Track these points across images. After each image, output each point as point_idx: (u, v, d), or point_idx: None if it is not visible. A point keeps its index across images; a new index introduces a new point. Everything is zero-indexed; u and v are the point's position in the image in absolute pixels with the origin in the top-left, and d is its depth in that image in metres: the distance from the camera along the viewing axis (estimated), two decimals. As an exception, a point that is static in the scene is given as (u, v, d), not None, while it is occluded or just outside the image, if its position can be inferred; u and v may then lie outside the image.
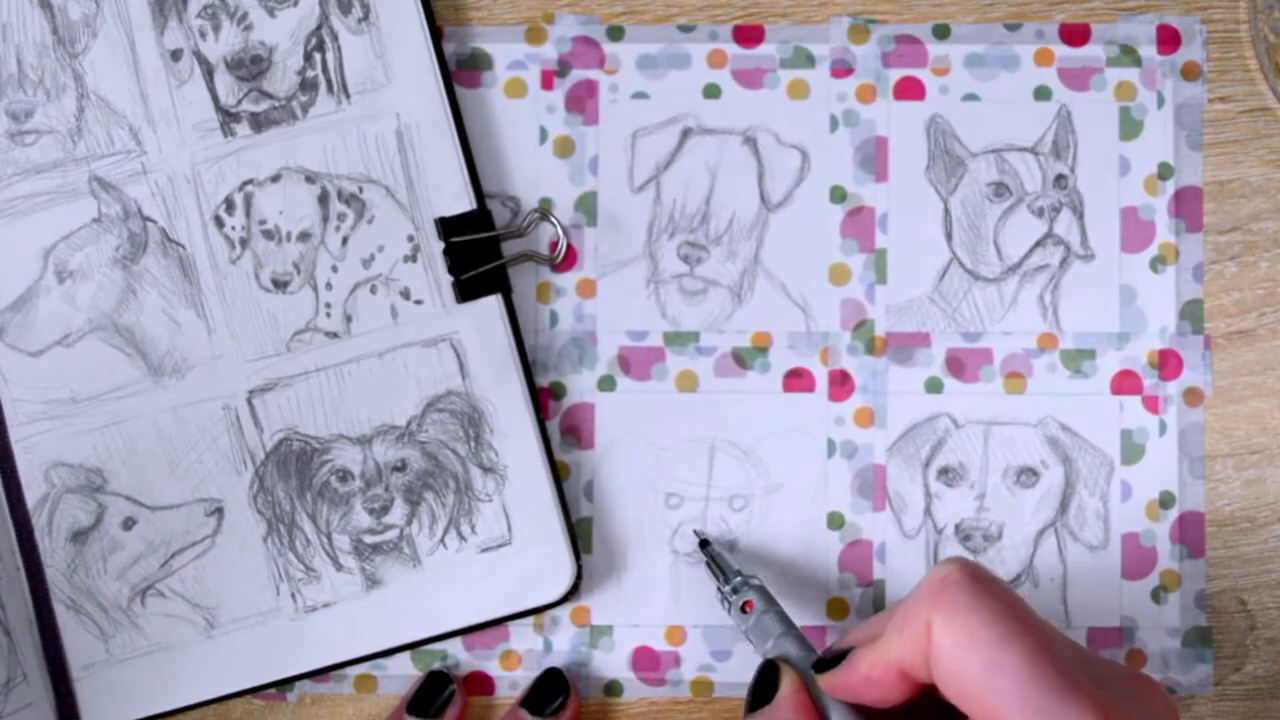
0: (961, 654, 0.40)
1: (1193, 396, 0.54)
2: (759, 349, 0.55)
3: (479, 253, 0.54)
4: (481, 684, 0.54)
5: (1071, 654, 0.41)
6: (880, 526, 0.54)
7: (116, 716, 0.53)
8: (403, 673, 0.54)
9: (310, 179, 0.54)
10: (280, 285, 0.54)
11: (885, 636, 0.43)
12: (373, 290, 0.54)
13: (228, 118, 0.54)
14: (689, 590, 0.54)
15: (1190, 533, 0.54)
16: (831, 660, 0.45)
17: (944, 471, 0.54)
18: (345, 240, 0.54)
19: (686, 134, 0.55)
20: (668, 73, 0.55)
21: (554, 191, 0.55)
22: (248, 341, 0.54)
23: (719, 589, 0.51)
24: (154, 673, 0.53)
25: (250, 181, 0.54)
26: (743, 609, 0.50)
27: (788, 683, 0.47)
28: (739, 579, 0.51)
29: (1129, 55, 0.55)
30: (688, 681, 0.54)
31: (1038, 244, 0.55)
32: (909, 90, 0.55)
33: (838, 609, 0.54)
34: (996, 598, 0.41)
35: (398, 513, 0.53)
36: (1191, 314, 0.55)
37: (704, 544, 0.53)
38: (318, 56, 0.54)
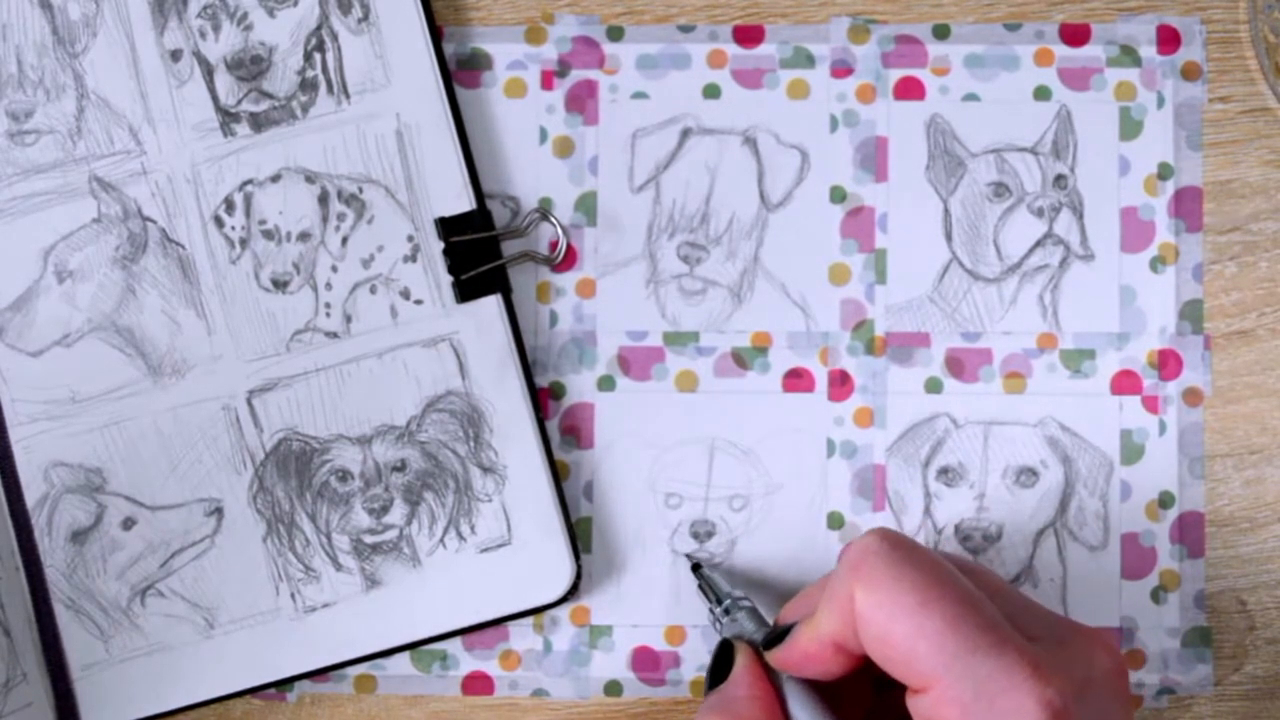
0: (885, 621, 0.41)
1: (1192, 396, 0.54)
2: (759, 349, 0.55)
3: (479, 253, 0.54)
4: (481, 684, 0.54)
5: (1005, 610, 0.42)
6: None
7: (116, 716, 0.53)
8: (403, 673, 0.54)
9: (310, 179, 0.54)
10: (280, 285, 0.54)
11: (817, 612, 0.43)
12: (372, 290, 0.54)
13: (228, 118, 0.54)
14: (689, 590, 0.54)
15: (1190, 533, 0.54)
16: (776, 637, 0.45)
17: (944, 471, 0.54)
18: (345, 240, 0.54)
19: (686, 134, 0.55)
20: (668, 73, 0.55)
21: (554, 191, 0.55)
22: (247, 341, 0.54)
23: (710, 610, 0.52)
24: (154, 673, 0.53)
25: (250, 181, 0.54)
26: None
27: (741, 659, 0.47)
28: (730, 600, 0.51)
29: (1129, 55, 0.55)
30: (688, 681, 0.54)
31: (1038, 244, 0.55)
32: (909, 90, 0.55)
33: (837, 609, 0.54)
34: (916, 564, 0.42)
35: (397, 513, 0.53)
36: (1191, 314, 0.55)
37: (696, 568, 0.53)
38: (318, 56, 0.54)
